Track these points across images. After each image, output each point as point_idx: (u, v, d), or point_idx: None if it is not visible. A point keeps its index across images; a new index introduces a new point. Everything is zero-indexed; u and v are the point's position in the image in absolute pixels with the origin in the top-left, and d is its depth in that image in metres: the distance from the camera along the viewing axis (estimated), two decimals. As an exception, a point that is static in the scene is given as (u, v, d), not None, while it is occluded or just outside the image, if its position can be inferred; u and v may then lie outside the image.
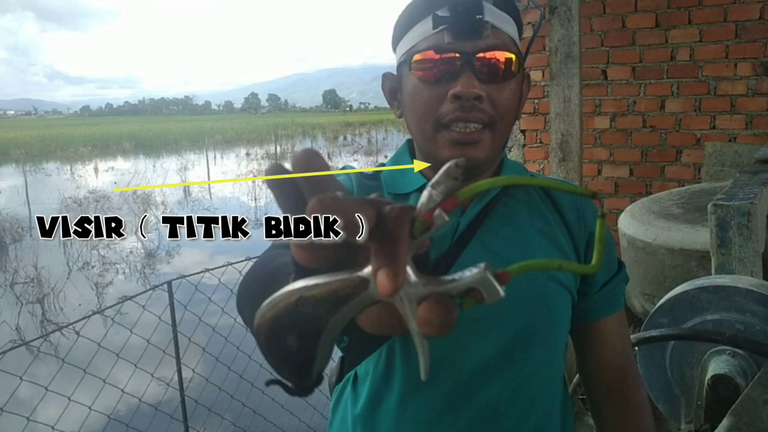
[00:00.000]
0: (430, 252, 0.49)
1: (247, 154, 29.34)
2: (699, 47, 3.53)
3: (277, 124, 53.06)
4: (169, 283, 2.11)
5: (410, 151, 0.91)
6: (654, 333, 1.35)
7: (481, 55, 0.76)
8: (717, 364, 1.41)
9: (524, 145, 4.08)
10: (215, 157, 28.05)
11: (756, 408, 1.25)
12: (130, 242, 10.39)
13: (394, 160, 0.91)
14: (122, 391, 2.44)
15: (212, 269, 2.30)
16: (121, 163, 27.50)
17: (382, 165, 0.91)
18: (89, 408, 2.35)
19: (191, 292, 2.68)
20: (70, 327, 2.30)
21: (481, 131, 0.77)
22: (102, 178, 20.83)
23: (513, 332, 0.79)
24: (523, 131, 4.07)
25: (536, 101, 4.00)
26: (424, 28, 0.77)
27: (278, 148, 27.96)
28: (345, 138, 42.16)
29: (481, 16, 0.76)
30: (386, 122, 63.41)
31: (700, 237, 1.67)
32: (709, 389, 1.40)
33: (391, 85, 0.86)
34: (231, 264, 2.37)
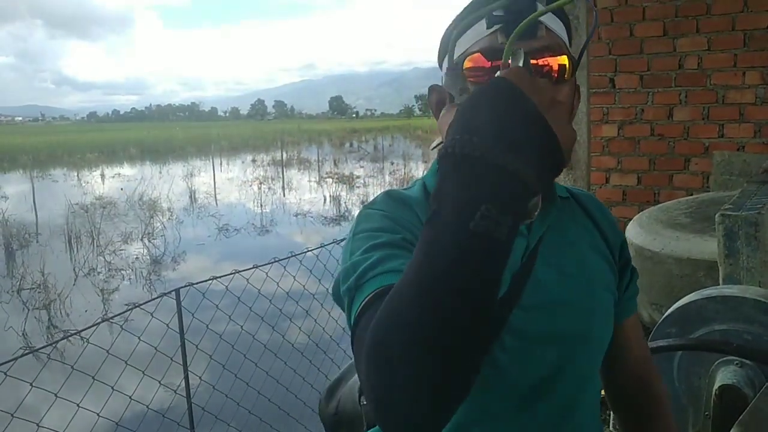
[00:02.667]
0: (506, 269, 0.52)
1: (253, 161, 29.42)
2: (707, 56, 3.53)
3: (284, 131, 53.26)
4: (177, 291, 2.12)
5: None
6: (662, 343, 1.34)
7: (534, 61, 0.72)
8: (725, 375, 1.41)
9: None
10: (221, 164, 28.14)
11: (764, 419, 1.24)
12: (136, 248, 10.43)
13: (429, 176, 0.86)
14: (129, 397, 2.45)
15: (219, 277, 2.31)
16: (128, 170, 27.63)
17: (399, 192, 0.84)
18: (97, 414, 2.36)
19: (198, 299, 2.68)
20: (78, 335, 2.31)
21: None
22: (108, 184, 20.93)
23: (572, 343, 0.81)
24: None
25: (543, 109, 4.00)
26: (477, 30, 0.74)
27: (284, 155, 28.04)
28: (351, 144, 42.25)
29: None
30: (392, 129, 63.52)
31: (708, 247, 1.67)
32: (717, 399, 1.39)
33: (439, 97, 0.81)
34: (238, 272, 2.38)
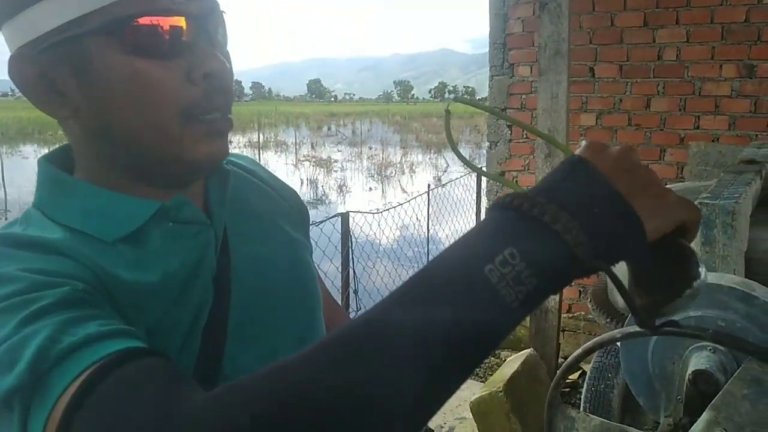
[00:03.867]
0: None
1: (230, 142, 29.06)
2: (686, 48, 3.56)
3: (261, 113, 52.74)
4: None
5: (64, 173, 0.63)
6: (638, 329, 1.36)
7: (213, 20, 0.60)
8: (698, 360, 1.43)
9: (510, 140, 4.10)
10: (197, 144, 27.71)
11: (735, 403, 1.27)
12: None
13: (49, 203, 0.62)
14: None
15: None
16: (101, 148, 27.01)
17: (29, 236, 0.57)
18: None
19: None
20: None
21: (229, 118, 0.63)
22: (81, 162, 20.45)
23: None
24: (509, 126, 4.08)
25: (523, 96, 4.01)
26: None
27: (261, 137, 27.78)
28: (329, 128, 42.00)
29: None
30: (371, 114, 63.29)
31: (684, 235, 1.69)
32: (690, 384, 1.42)
33: (43, 70, 0.57)
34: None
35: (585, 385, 2.75)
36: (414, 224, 4.55)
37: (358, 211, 3.19)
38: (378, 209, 3.54)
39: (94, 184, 0.62)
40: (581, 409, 2.66)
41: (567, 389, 3.68)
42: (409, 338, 0.38)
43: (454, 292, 0.39)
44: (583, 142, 0.47)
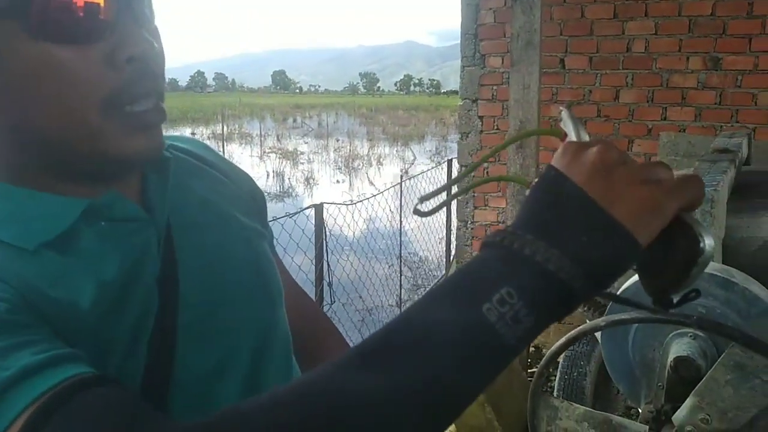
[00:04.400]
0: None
1: (193, 134, 28.62)
2: (654, 40, 3.61)
3: (224, 104, 51.97)
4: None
5: None
6: (624, 317, 1.36)
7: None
8: (679, 347, 1.44)
9: (481, 131, 4.10)
10: (160, 136, 27.18)
11: (718, 388, 1.28)
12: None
13: None
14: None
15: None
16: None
17: None
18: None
19: None
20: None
21: (159, 107, 0.56)
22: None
23: None
24: (480, 117, 4.09)
25: (494, 88, 4.02)
26: None
27: (225, 128, 27.38)
28: (295, 120, 41.65)
29: None
30: (336, 105, 62.98)
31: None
32: (671, 371, 1.43)
33: None
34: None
35: (558, 373, 2.77)
36: (386, 216, 4.53)
37: (332, 203, 3.15)
38: (352, 200, 3.50)
39: (11, 183, 0.54)
40: (554, 394, 2.68)
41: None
42: (404, 383, 0.37)
43: (452, 332, 0.38)
44: (559, 151, 0.45)
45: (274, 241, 0.90)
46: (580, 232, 0.40)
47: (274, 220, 2.75)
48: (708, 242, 0.42)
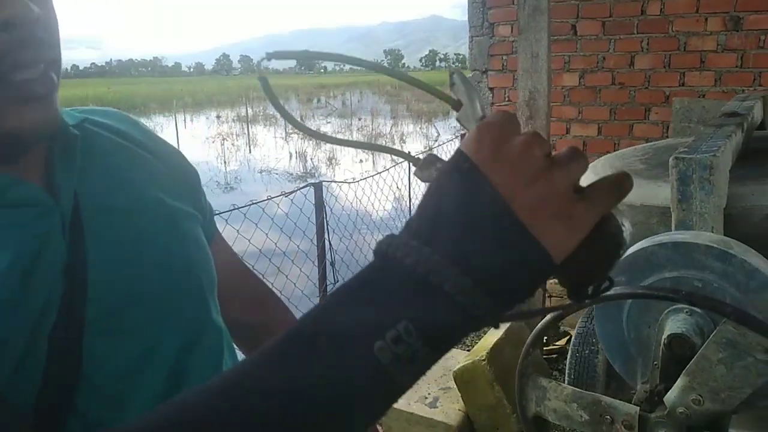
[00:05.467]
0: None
1: (218, 117, 28.81)
2: (670, 1, 3.44)
3: (249, 86, 52.11)
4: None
5: None
6: (610, 293, 1.29)
7: None
8: (674, 323, 1.36)
9: (492, 104, 3.98)
10: (185, 120, 27.46)
11: (710, 368, 1.20)
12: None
13: None
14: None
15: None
16: (88, 127, 26.75)
17: None
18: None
19: None
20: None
21: (47, 76, 0.51)
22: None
23: None
24: (491, 89, 3.97)
25: (505, 57, 3.89)
26: None
27: (250, 111, 27.47)
28: (319, 100, 41.61)
29: None
30: (361, 84, 62.70)
31: (662, 192, 1.61)
32: (666, 349, 1.35)
33: None
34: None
35: (569, 352, 2.69)
36: (395, 193, 4.46)
37: (332, 181, 3.09)
38: (354, 178, 3.44)
39: None
40: (566, 375, 2.61)
41: (554, 355, 3.64)
42: (278, 413, 0.33)
43: (336, 371, 0.33)
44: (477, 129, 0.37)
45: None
46: (496, 255, 0.34)
47: (269, 199, 2.71)
48: (627, 229, 0.37)
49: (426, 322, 0.33)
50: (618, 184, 0.38)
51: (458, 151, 0.37)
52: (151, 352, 0.58)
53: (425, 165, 0.42)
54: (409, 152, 0.47)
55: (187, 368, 0.61)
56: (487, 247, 0.34)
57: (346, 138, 0.48)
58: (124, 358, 0.55)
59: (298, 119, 0.47)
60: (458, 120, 0.43)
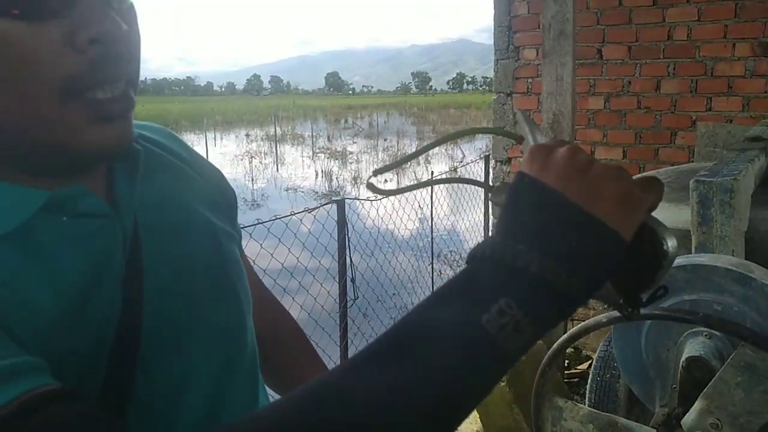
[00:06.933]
0: None
1: (247, 135, 29.24)
2: (697, 26, 3.43)
3: (278, 106, 52.87)
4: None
5: None
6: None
7: None
8: (692, 346, 1.35)
9: (516, 125, 4.00)
10: (215, 138, 27.93)
11: (728, 391, 1.19)
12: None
13: None
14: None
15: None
16: (120, 143, 27.37)
17: None
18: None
19: None
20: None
21: (127, 94, 0.51)
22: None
23: None
24: (514, 113, 3.99)
25: (529, 80, 3.91)
26: None
27: (278, 130, 27.84)
28: (346, 121, 41.99)
29: None
30: (388, 106, 63.14)
31: (683, 215, 1.61)
32: (684, 372, 1.34)
33: None
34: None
35: (590, 375, 2.67)
36: (417, 213, 4.48)
37: (355, 198, 3.12)
38: (377, 196, 3.47)
39: None
40: (587, 399, 2.57)
41: (576, 379, 3.60)
42: (397, 399, 0.36)
43: (453, 345, 0.38)
44: (524, 155, 0.45)
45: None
46: (568, 237, 0.40)
47: (293, 214, 2.75)
48: (671, 244, 0.43)
49: (522, 297, 0.38)
50: (655, 180, 0.44)
51: (518, 172, 0.44)
52: (196, 369, 0.58)
53: (498, 191, 0.50)
54: (486, 181, 0.53)
55: (226, 385, 0.62)
56: (558, 232, 0.40)
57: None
58: (172, 374, 0.56)
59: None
60: (522, 152, 0.50)
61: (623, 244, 0.40)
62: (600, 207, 0.40)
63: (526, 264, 0.38)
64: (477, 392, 0.39)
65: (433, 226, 3.93)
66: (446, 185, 4.71)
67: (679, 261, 1.44)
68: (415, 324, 0.39)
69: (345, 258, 2.69)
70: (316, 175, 15.46)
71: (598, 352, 2.63)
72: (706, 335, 1.35)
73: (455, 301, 0.39)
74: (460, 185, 5.03)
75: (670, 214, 1.73)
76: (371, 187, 0.53)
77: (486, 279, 0.39)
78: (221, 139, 28.58)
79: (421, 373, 0.36)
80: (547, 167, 0.42)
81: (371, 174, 0.54)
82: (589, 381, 2.64)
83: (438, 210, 4.22)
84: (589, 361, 3.44)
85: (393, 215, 3.84)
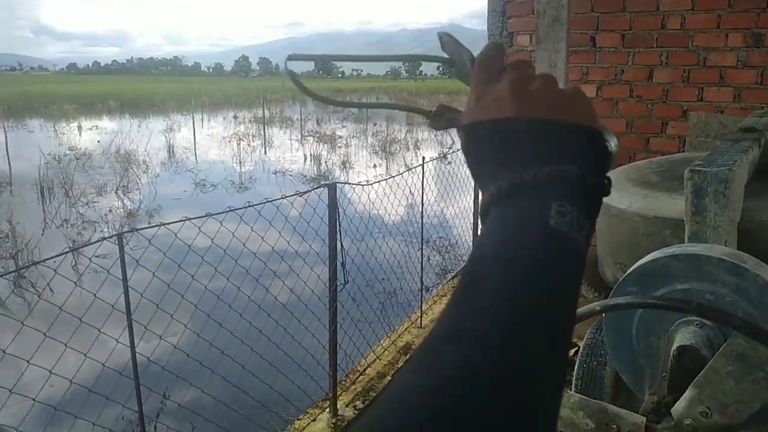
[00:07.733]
0: None
1: (235, 117, 28.96)
2: (690, 16, 3.43)
3: (267, 88, 52.39)
4: (119, 236, 2.00)
5: None
6: (619, 301, 1.29)
7: None
8: (683, 335, 1.36)
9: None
10: (202, 119, 27.65)
11: (719, 380, 1.20)
12: (110, 201, 10.25)
13: None
14: (84, 355, 2.35)
15: (168, 223, 2.21)
16: (106, 123, 27.06)
17: None
18: (50, 372, 2.25)
19: (171, 247, 2.56)
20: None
21: None
22: (86, 137, 20.48)
23: None
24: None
25: (522, 67, 3.89)
26: None
27: (267, 112, 27.60)
28: (335, 104, 41.60)
29: None
30: (378, 90, 62.79)
31: (677, 205, 1.61)
32: (674, 360, 1.35)
33: None
34: (189, 219, 2.28)
35: (576, 362, 2.68)
36: (407, 198, 4.47)
37: (347, 183, 3.10)
38: (368, 181, 3.45)
39: None
40: (572, 386, 2.59)
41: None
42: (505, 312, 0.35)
43: (536, 252, 0.38)
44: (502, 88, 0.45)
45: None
46: (568, 142, 0.42)
47: (284, 197, 2.73)
48: (614, 143, 0.45)
49: (563, 194, 0.39)
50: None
51: (490, 121, 0.45)
52: None
53: (437, 116, 0.48)
54: (423, 107, 0.51)
55: None
56: (564, 147, 0.42)
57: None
58: None
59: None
60: (456, 77, 0.48)
61: (598, 134, 0.44)
62: (525, 108, 0.43)
63: (547, 174, 0.40)
64: (572, 298, 0.38)
65: (423, 213, 3.92)
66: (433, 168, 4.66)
67: (672, 250, 1.44)
68: (492, 242, 0.39)
69: (336, 242, 2.68)
70: (305, 158, 15.36)
71: (585, 339, 2.64)
72: (697, 324, 1.35)
73: (517, 220, 0.39)
74: (452, 174, 4.99)
75: (663, 202, 1.73)
76: (292, 75, 0.51)
77: (526, 198, 0.40)
78: (209, 120, 28.27)
79: (518, 290, 0.36)
80: (530, 99, 0.44)
81: (287, 58, 0.50)
82: (575, 368, 2.65)
83: (428, 196, 4.21)
84: (576, 348, 3.47)
85: (384, 200, 3.83)
